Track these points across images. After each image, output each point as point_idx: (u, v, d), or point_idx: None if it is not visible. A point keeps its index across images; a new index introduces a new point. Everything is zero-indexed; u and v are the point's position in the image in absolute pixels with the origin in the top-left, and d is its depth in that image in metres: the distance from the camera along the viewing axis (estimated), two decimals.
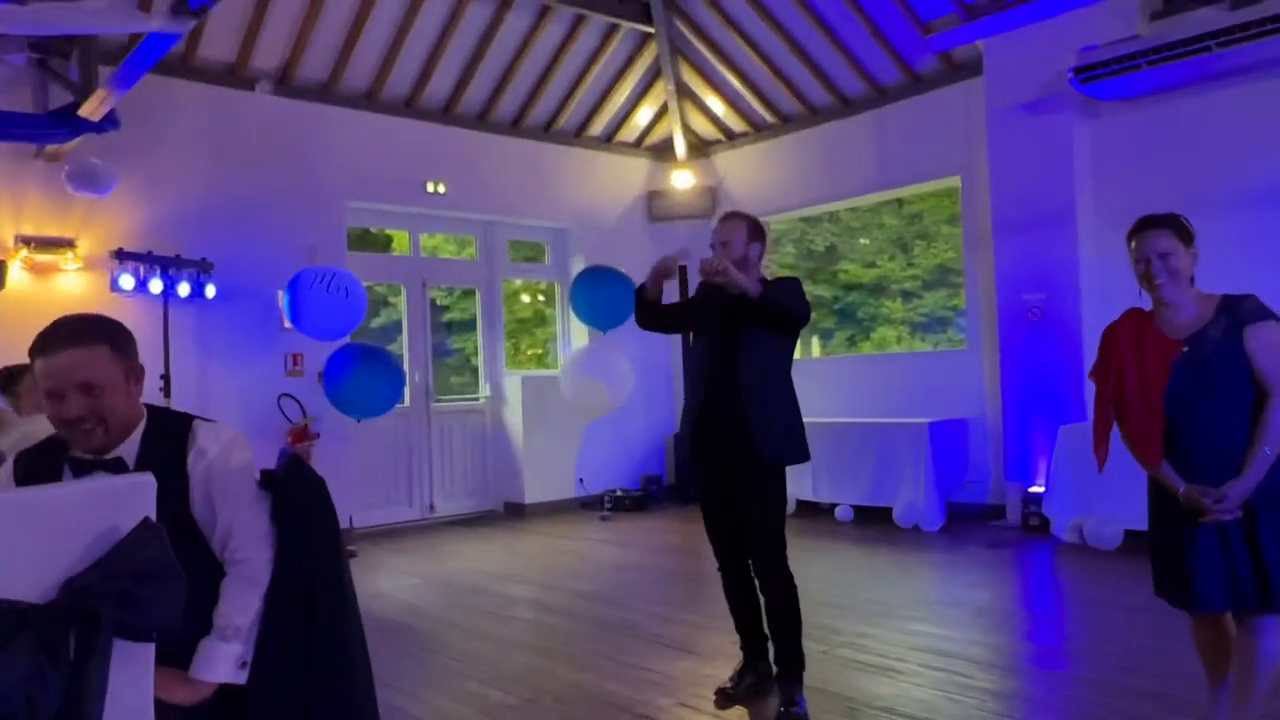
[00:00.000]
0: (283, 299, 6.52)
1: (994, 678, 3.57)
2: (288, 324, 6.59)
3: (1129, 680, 3.30)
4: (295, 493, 1.93)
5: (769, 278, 3.42)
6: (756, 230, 3.40)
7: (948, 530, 6.69)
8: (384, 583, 5.71)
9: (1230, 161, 5.85)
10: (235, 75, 6.87)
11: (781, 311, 3.20)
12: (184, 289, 6.32)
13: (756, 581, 3.33)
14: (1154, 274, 2.57)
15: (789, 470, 3.35)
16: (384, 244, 8.46)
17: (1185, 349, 2.54)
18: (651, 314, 3.56)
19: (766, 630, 3.40)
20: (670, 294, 3.71)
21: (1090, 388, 2.84)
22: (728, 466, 3.32)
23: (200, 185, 6.65)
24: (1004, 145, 6.79)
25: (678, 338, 9.12)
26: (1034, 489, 6.47)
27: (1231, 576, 2.48)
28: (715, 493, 3.42)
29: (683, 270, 8.45)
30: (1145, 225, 2.61)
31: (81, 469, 1.85)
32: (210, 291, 6.47)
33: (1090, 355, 2.81)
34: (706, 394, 3.33)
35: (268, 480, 1.98)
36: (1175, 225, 2.58)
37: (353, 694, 1.92)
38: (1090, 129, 6.55)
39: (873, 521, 7.06)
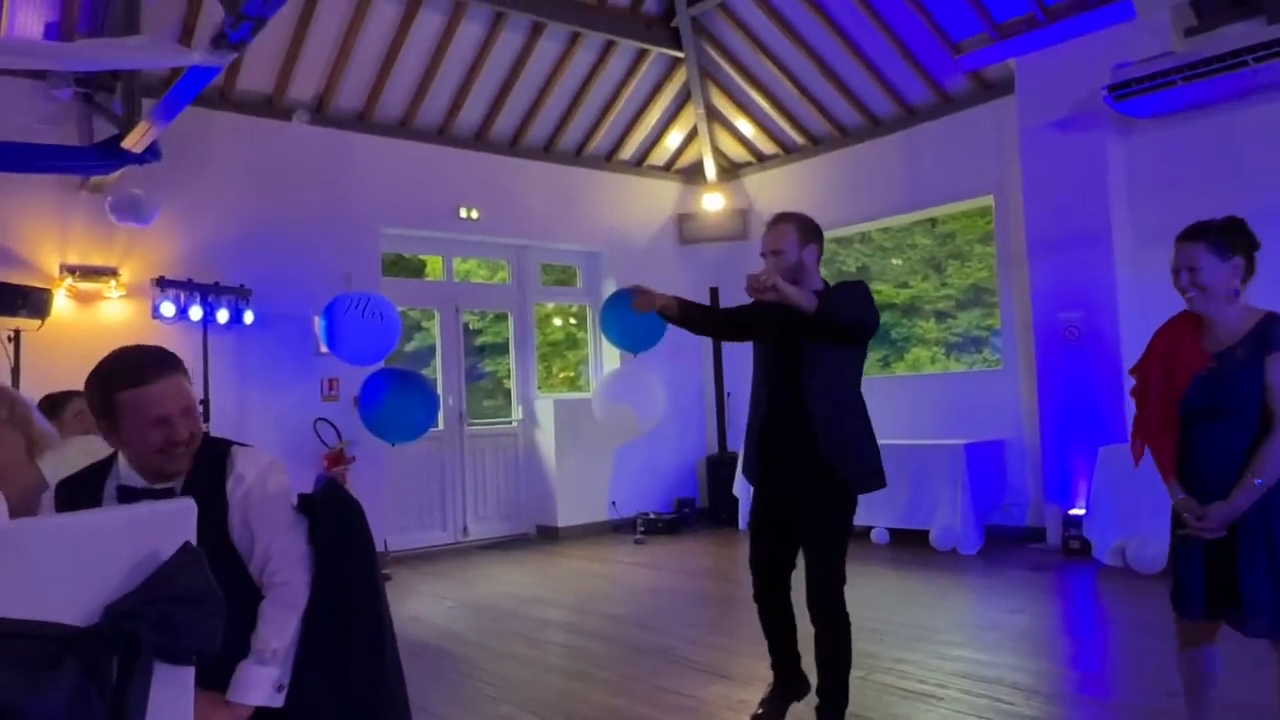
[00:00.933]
0: (319, 324, 6.61)
1: (1036, 704, 3.50)
2: (324, 349, 6.68)
3: (1173, 706, 3.21)
4: (332, 516, 1.95)
5: (830, 284, 3.21)
6: (810, 231, 3.18)
7: (986, 553, 6.58)
8: (418, 606, 5.73)
9: (1268, 177, 5.76)
10: (272, 106, 7.01)
11: (843, 324, 2.95)
12: (223, 315, 6.43)
13: (810, 615, 3.10)
14: (1182, 287, 2.54)
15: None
16: (418, 269, 8.56)
17: (1212, 364, 2.50)
18: (697, 327, 3.37)
19: (798, 650, 3.32)
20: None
21: (1130, 406, 2.80)
22: (792, 491, 3.13)
23: (238, 214, 6.78)
24: (1037, 163, 6.74)
25: (710, 360, 9.11)
26: (1074, 511, 6.36)
27: (1221, 590, 2.46)
28: (771, 516, 3.23)
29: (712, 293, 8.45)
30: (1183, 235, 2.58)
31: (130, 497, 1.88)
32: (248, 318, 6.57)
33: (1129, 375, 2.79)
34: (770, 411, 3.13)
35: (305, 504, 2.01)
36: (1210, 236, 2.51)
37: (388, 716, 1.92)
38: (1125, 146, 6.49)
39: (909, 544, 6.97)
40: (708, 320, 3.42)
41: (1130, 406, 2.82)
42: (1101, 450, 5.94)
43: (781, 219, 3.23)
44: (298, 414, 6.84)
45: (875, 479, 3.15)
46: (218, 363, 6.48)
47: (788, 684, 3.38)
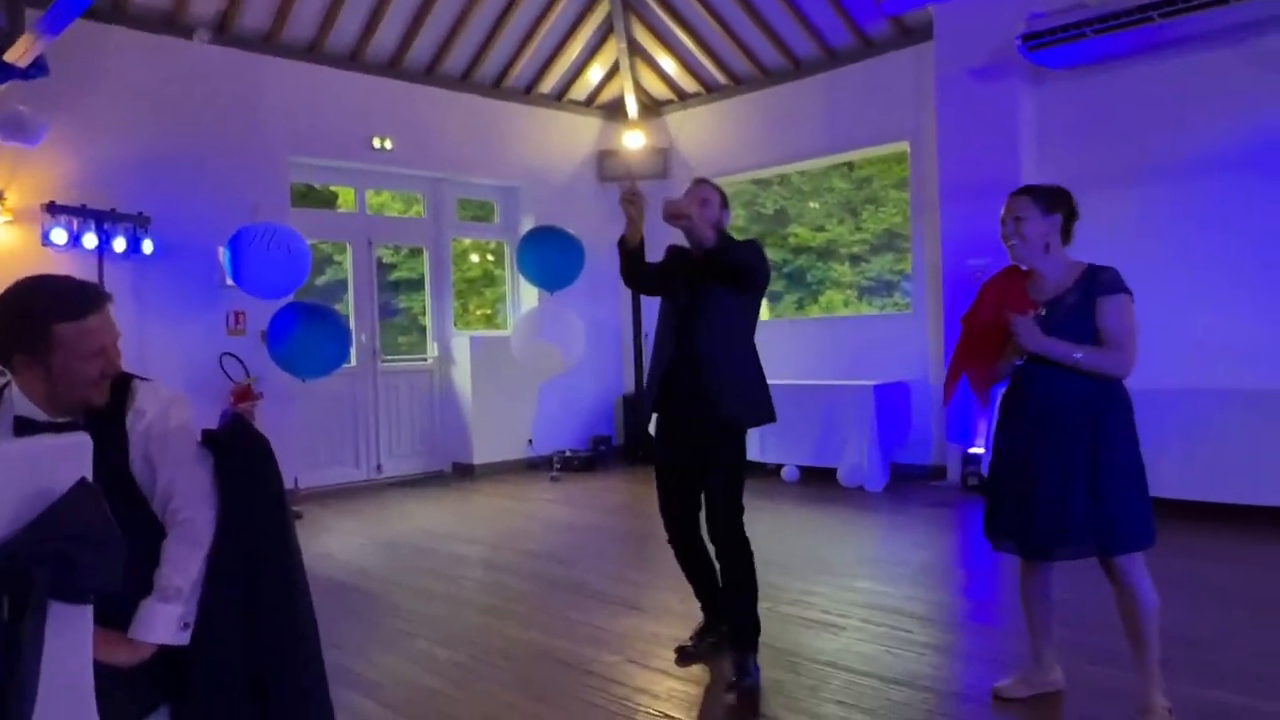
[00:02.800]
0: (223, 256, 6.36)
1: (931, 631, 3.68)
2: (229, 282, 6.45)
3: (1056, 632, 3.42)
4: (238, 452, 1.91)
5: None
6: (726, 202, 3.37)
7: (890, 490, 6.84)
8: (330, 544, 5.68)
9: (1169, 131, 5.97)
10: (172, 23, 6.62)
11: (737, 266, 3.10)
12: (119, 244, 6.14)
13: (713, 548, 3.29)
14: (1006, 235, 2.81)
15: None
16: (329, 201, 8.29)
17: (1041, 311, 2.72)
18: (634, 266, 3.32)
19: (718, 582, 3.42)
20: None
21: None
22: (688, 431, 3.29)
23: (136, 137, 6.44)
24: (952, 111, 6.85)
25: (628, 299, 9.13)
26: (973, 450, 6.63)
27: (1067, 522, 2.64)
28: (674, 459, 3.40)
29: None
30: (1014, 191, 2.85)
31: (28, 430, 1.81)
32: (148, 247, 6.29)
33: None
34: (670, 359, 3.28)
35: (210, 440, 1.96)
36: (1036, 193, 2.79)
37: (298, 654, 1.91)
38: (1037, 96, 6.64)
39: (818, 482, 7.19)
40: (645, 267, 3.42)
41: None
42: (1001, 392, 6.18)
43: (708, 181, 3.39)
44: (202, 349, 6.62)
45: (763, 413, 3.33)
46: (116, 294, 6.13)
47: (717, 624, 3.50)
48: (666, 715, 2.95)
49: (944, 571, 4.76)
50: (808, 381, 7.52)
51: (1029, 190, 2.82)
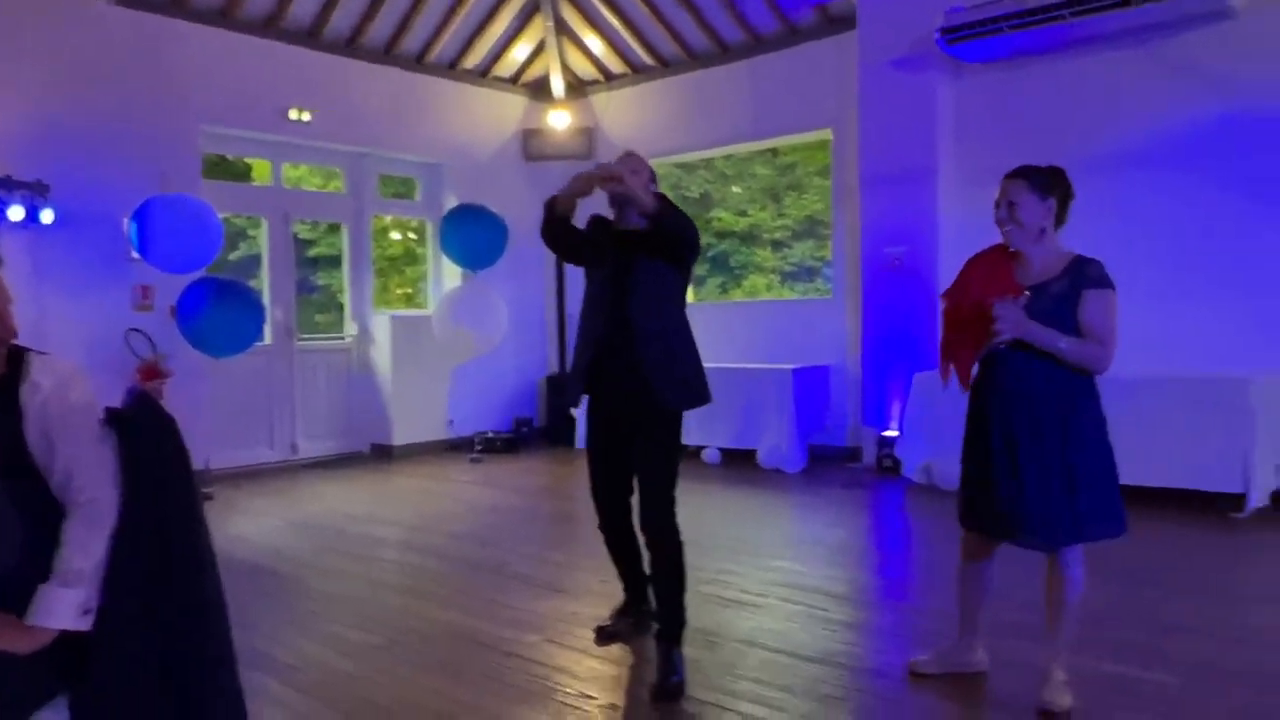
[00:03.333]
0: (129, 227, 6.11)
1: (846, 610, 3.77)
2: (135, 254, 6.20)
3: (985, 619, 3.55)
4: (143, 431, 1.84)
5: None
6: (655, 178, 3.29)
7: (808, 472, 6.97)
8: (243, 525, 5.53)
9: (1081, 126, 6.20)
10: None
11: (674, 227, 3.01)
12: (16, 213, 5.84)
13: (642, 537, 3.19)
14: (1000, 219, 2.75)
15: None
16: (242, 173, 8.02)
17: (1027, 294, 2.70)
18: (559, 230, 3.19)
19: (646, 572, 3.40)
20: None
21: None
22: (621, 413, 3.20)
23: (34, 101, 6.11)
24: (873, 101, 6.98)
25: (551, 280, 9.08)
26: (888, 432, 6.81)
27: (1038, 511, 2.66)
28: (607, 443, 3.30)
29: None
30: (1010, 173, 2.77)
31: None
32: (47, 216, 6.00)
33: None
34: (600, 336, 3.16)
35: (113, 418, 1.88)
36: (1032, 176, 2.73)
37: (207, 638, 1.86)
38: (954, 89, 6.80)
39: (738, 464, 7.29)
40: (573, 233, 3.29)
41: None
42: (915, 376, 6.35)
43: (638, 155, 3.23)
44: (106, 324, 6.35)
45: (699, 396, 3.21)
46: (12, 265, 5.86)
47: (638, 604, 3.51)
48: (586, 695, 2.97)
49: (859, 551, 4.88)
50: (730, 365, 7.60)
51: (1024, 173, 2.74)
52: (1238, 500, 5.15)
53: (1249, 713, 2.71)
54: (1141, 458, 5.08)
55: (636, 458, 3.19)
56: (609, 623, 3.51)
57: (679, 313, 3.22)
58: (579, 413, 8.03)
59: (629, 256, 3.13)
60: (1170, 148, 5.94)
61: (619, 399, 3.19)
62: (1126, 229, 5.85)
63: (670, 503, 3.13)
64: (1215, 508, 5.24)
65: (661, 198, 3.08)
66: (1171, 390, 5.37)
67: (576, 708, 2.87)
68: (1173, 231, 5.94)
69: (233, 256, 7.93)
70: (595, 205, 3.30)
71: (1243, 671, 3.00)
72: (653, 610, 3.36)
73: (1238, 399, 5.17)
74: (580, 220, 3.28)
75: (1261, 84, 5.63)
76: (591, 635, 3.47)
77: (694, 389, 3.20)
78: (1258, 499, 5.11)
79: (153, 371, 6.31)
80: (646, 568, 3.38)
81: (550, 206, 3.19)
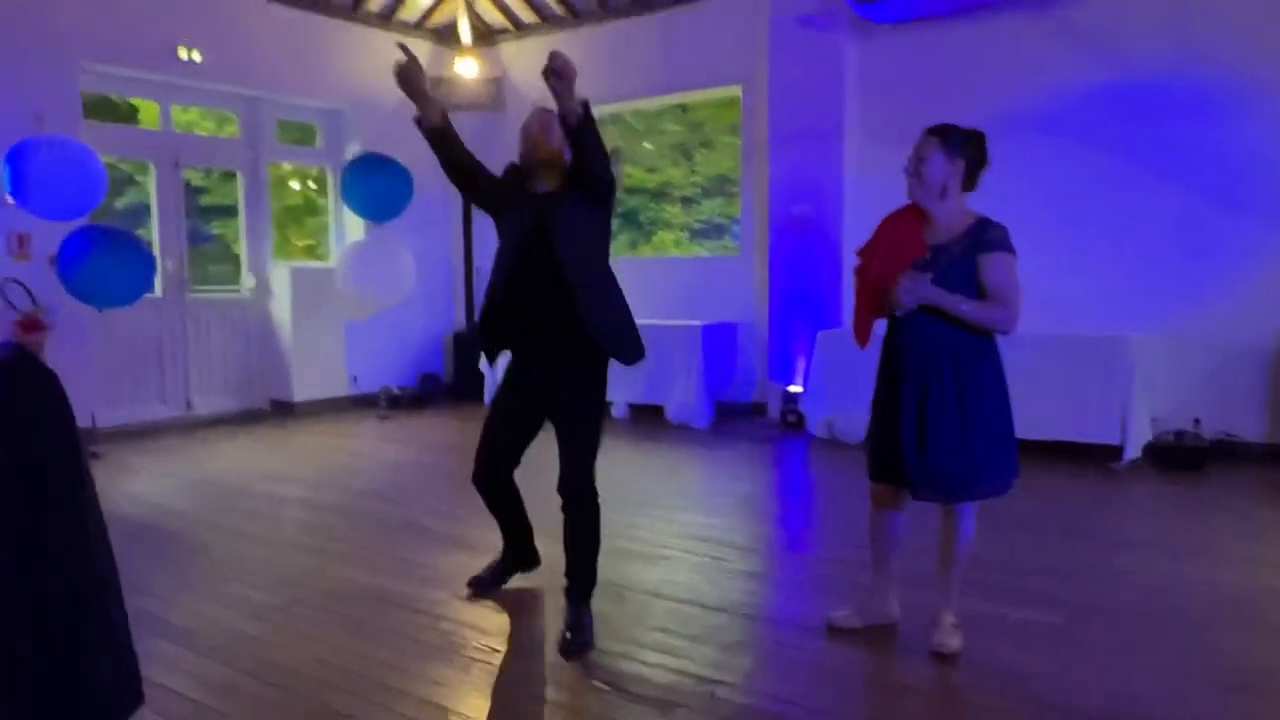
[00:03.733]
0: (2, 171, 5.71)
1: (750, 560, 3.87)
2: (9, 200, 5.81)
3: (862, 556, 3.68)
4: (20, 387, 1.74)
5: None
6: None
7: (715, 427, 7.08)
8: (135, 485, 5.33)
9: (983, 90, 6.34)
10: None
11: (597, 139, 2.84)
12: None
13: (562, 498, 3.04)
14: (907, 171, 2.81)
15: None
16: (128, 115, 7.58)
17: (929, 255, 2.77)
18: (446, 152, 3.07)
19: (529, 521, 3.41)
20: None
21: (847, 293, 3.06)
22: (553, 369, 3.06)
23: None
24: (783, 58, 7.01)
25: (459, 234, 8.91)
26: (793, 388, 6.96)
27: (932, 466, 2.76)
28: (514, 399, 3.18)
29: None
30: (928, 129, 2.81)
31: None
32: None
33: (850, 265, 3.05)
34: (523, 289, 2.99)
35: None
36: (946, 136, 2.77)
37: (94, 598, 1.79)
38: (861, 49, 6.88)
39: (646, 419, 7.35)
40: (466, 157, 3.15)
41: (849, 293, 3.09)
42: (820, 334, 6.49)
43: (550, 113, 3.01)
44: None
45: (639, 350, 3.15)
46: None
47: (518, 556, 3.49)
48: (494, 649, 2.98)
49: (763, 504, 5.00)
50: (639, 321, 7.60)
51: (938, 131, 2.77)
52: (1116, 452, 5.46)
53: (1128, 648, 2.89)
54: (1028, 412, 5.26)
55: (559, 417, 3.07)
56: (481, 574, 3.48)
57: (607, 259, 3.12)
58: (486, 368, 7.95)
59: (550, 208, 2.99)
60: (1065, 112, 6.15)
61: (552, 353, 3.05)
62: (1019, 190, 6.03)
63: (593, 463, 3.07)
64: (1095, 459, 5.54)
65: (586, 106, 2.84)
66: (1056, 347, 5.62)
67: (485, 662, 2.88)
68: (1063, 194, 6.17)
69: (119, 204, 7.52)
70: (511, 155, 3.21)
71: (1119, 610, 3.20)
72: (527, 555, 3.42)
73: (1118, 357, 5.46)
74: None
75: (1152, 55, 5.87)
76: (502, 591, 3.47)
77: (636, 341, 3.14)
78: (1133, 451, 5.42)
79: (32, 324, 5.95)
80: (524, 512, 3.38)
81: (421, 128, 3.07)
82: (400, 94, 3.17)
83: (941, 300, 2.71)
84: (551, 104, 2.86)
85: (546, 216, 2.97)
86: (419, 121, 3.10)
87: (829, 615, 3.11)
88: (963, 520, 2.88)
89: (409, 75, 3.03)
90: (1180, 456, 5.45)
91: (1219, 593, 3.39)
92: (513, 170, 3.18)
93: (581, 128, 2.81)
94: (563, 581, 3.09)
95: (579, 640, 2.95)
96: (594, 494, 3.07)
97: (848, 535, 4.10)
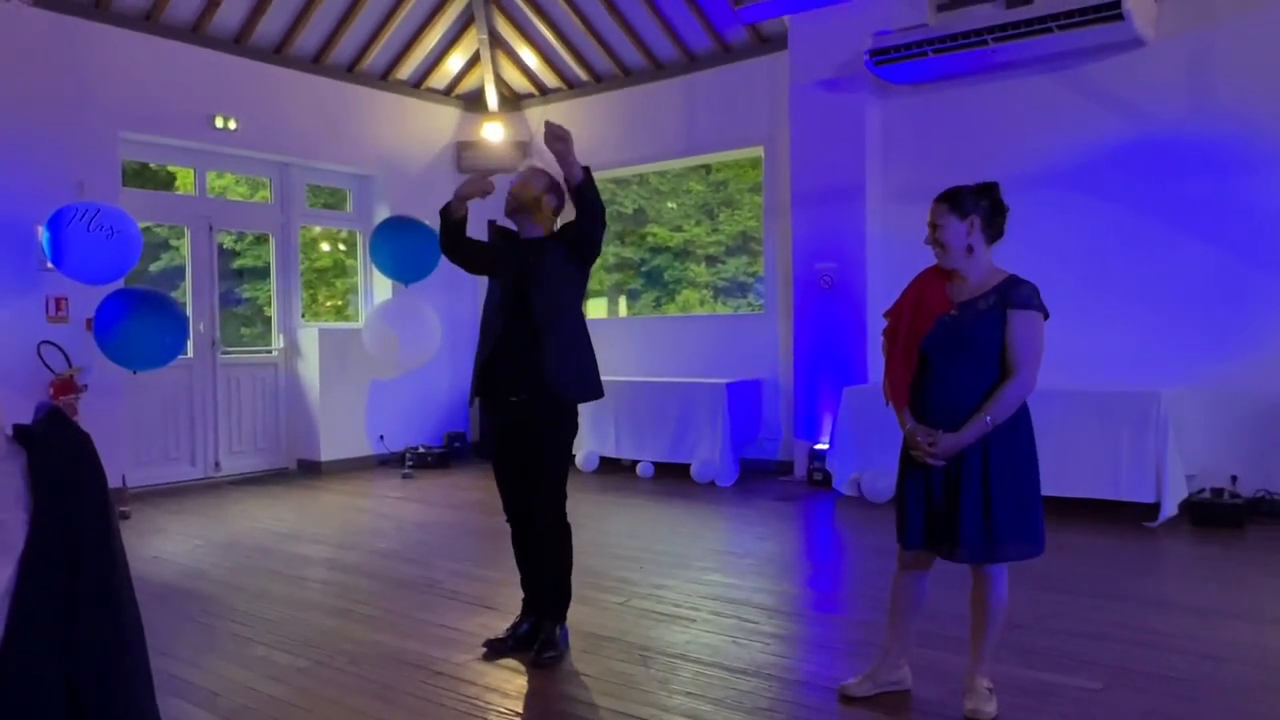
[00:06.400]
0: (43, 236, 5.89)
1: (777, 622, 3.81)
2: (49, 265, 5.97)
3: (914, 634, 3.62)
4: (53, 448, 1.77)
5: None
6: (557, 187, 3.49)
7: (740, 485, 7.02)
8: (162, 545, 5.35)
9: (1002, 148, 6.40)
10: None
11: (595, 199, 3.27)
12: None
13: (536, 528, 3.37)
14: (928, 243, 2.84)
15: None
16: (165, 181, 7.81)
17: (954, 311, 2.77)
18: (456, 237, 3.47)
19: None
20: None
21: (874, 351, 3.06)
22: (518, 407, 3.34)
23: None
24: (804, 120, 7.10)
25: (482, 294, 9.00)
26: (819, 446, 6.90)
27: (959, 528, 2.73)
28: (506, 437, 3.43)
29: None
30: (937, 196, 2.84)
31: None
32: None
33: (874, 322, 3.06)
34: (500, 334, 3.34)
35: (21, 436, 1.80)
36: (951, 198, 2.79)
37: (121, 664, 1.79)
38: (881, 110, 6.97)
39: (672, 478, 7.31)
40: (471, 241, 3.56)
41: (874, 350, 3.09)
42: (845, 391, 6.46)
43: (540, 168, 3.64)
44: (17, 336, 6.11)
45: (593, 389, 3.44)
46: None
47: (531, 614, 3.53)
48: (515, 713, 2.94)
49: (789, 564, 4.93)
50: (664, 379, 7.64)
51: (946, 196, 2.81)
52: (1151, 510, 5.35)
53: (1165, 714, 2.80)
54: (1059, 470, 5.23)
55: (532, 454, 3.37)
56: (503, 635, 3.51)
57: (579, 311, 3.46)
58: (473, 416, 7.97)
59: (532, 260, 3.34)
60: (1085, 170, 6.17)
61: (517, 394, 3.33)
62: (1044, 247, 6.05)
63: (564, 495, 3.41)
64: (1131, 517, 5.43)
65: (587, 171, 3.32)
66: (1087, 404, 5.56)
67: None
68: (1088, 251, 6.16)
69: (154, 267, 7.70)
70: (493, 212, 3.45)
71: (1157, 675, 3.11)
72: (541, 622, 3.49)
73: (1150, 412, 5.37)
74: (477, 232, 3.55)
75: (1169, 111, 5.89)
76: (525, 654, 3.43)
77: (590, 383, 3.43)
78: (1169, 509, 5.31)
79: (66, 386, 6.08)
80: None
81: (445, 213, 3.43)
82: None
83: (970, 436, 2.69)
84: (547, 163, 3.24)
85: (529, 269, 3.34)
86: (447, 210, 3.46)
87: (842, 683, 3.04)
88: (995, 583, 2.82)
89: (480, 189, 3.45)
90: (1218, 514, 5.33)
91: (1263, 657, 3.28)
92: (496, 230, 3.61)
93: (581, 188, 3.24)
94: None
95: (549, 655, 3.28)
96: (569, 528, 3.44)
97: (875, 596, 4.02)
